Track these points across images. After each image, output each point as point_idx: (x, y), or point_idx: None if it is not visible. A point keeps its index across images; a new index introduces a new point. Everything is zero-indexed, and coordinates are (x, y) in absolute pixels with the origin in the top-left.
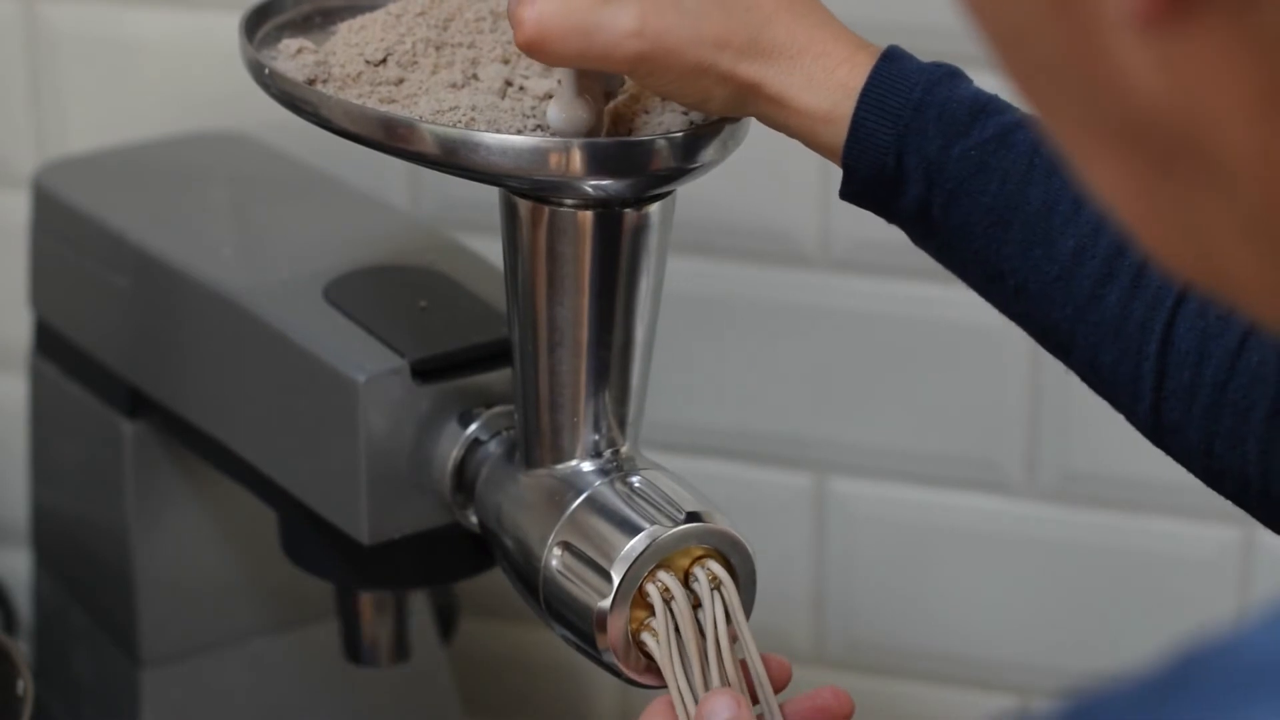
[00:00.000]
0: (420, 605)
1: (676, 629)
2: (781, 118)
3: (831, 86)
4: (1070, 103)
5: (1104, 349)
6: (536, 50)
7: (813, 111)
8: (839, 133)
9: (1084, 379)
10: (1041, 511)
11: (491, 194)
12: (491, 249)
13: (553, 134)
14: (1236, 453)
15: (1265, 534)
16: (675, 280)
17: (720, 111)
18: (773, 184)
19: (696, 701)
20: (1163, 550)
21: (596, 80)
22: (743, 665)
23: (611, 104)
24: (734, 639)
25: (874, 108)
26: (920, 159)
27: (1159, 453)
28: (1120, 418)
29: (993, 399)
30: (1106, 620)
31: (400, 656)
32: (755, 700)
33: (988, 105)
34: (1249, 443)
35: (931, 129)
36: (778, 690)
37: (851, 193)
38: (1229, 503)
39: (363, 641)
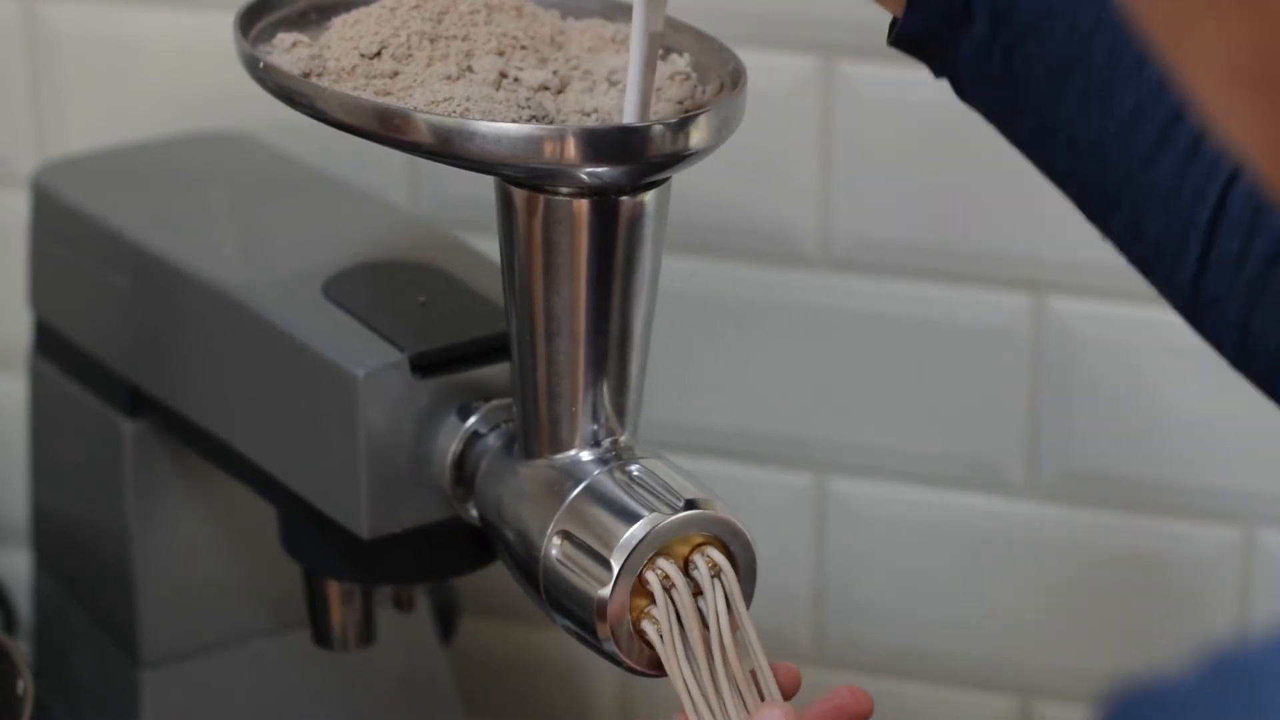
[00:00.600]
0: (384, 597)
1: (678, 616)
2: None
3: None
4: (1219, 43)
5: (1151, 214)
6: None
7: None
8: None
9: (1121, 246)
10: (1041, 511)
11: (491, 193)
12: (492, 247)
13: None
14: (1275, 329)
15: (1265, 534)
16: (675, 280)
17: None
18: (772, 183)
19: (701, 689)
20: (1163, 550)
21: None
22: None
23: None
24: (735, 628)
25: None
26: None
27: (1159, 453)
28: (1118, 417)
29: (993, 399)
30: (1106, 620)
31: (366, 640)
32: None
33: None
34: None
35: None
36: (787, 697)
37: (910, 30)
38: (1229, 502)
39: (332, 627)
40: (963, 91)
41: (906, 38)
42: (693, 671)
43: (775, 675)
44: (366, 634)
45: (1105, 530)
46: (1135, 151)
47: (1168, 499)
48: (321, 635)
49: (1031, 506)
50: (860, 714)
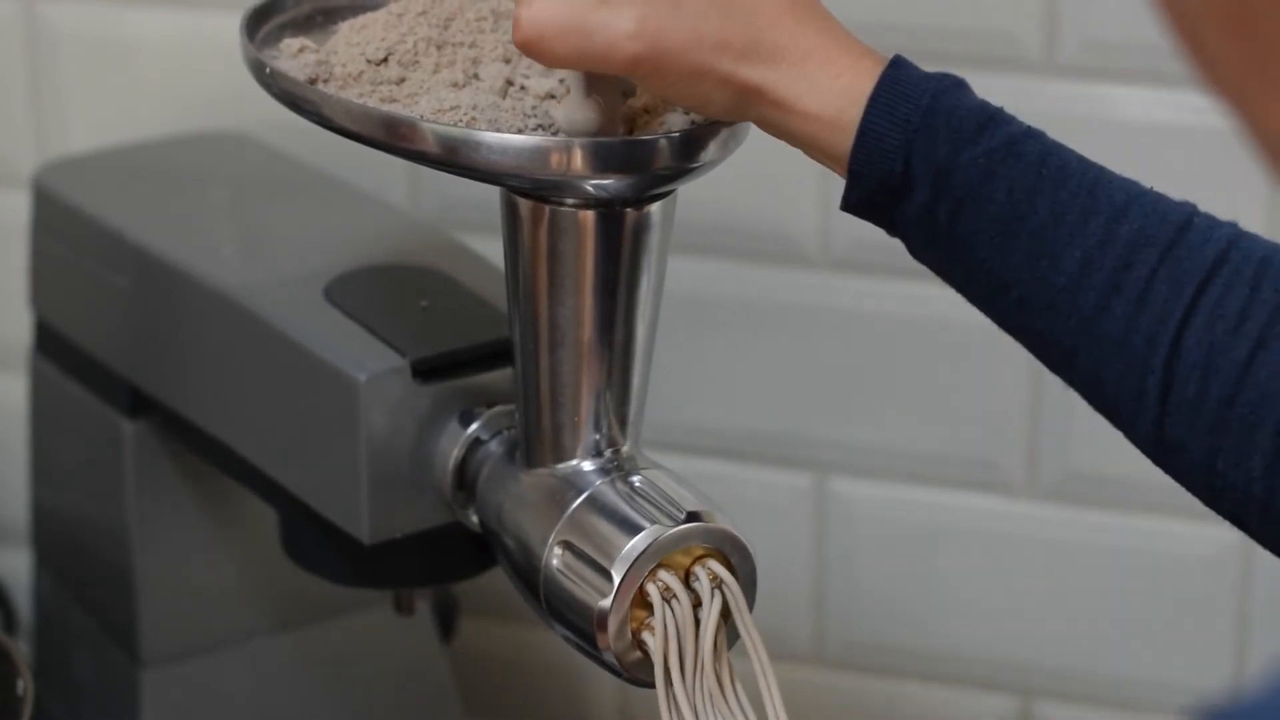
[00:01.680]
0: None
1: (677, 629)
2: (784, 123)
3: (836, 92)
4: None
5: (1107, 363)
6: (533, 50)
7: (818, 116)
8: (844, 139)
9: (1085, 395)
10: (1042, 511)
11: (491, 194)
12: (492, 249)
13: (562, 133)
14: (1240, 470)
15: None
16: (675, 280)
17: (721, 115)
18: (773, 184)
19: (690, 704)
20: (1163, 550)
21: (609, 80)
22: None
23: (628, 104)
24: (727, 645)
25: (883, 113)
26: (928, 165)
27: None
28: None
29: (993, 399)
30: (1107, 620)
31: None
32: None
33: (995, 115)
34: (1254, 459)
35: (940, 135)
36: None
37: (856, 199)
38: None
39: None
40: (915, 253)
41: (852, 206)
42: (684, 684)
43: None
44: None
45: (1105, 530)
46: (1086, 303)
47: (1168, 499)
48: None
49: (1031, 506)
50: None
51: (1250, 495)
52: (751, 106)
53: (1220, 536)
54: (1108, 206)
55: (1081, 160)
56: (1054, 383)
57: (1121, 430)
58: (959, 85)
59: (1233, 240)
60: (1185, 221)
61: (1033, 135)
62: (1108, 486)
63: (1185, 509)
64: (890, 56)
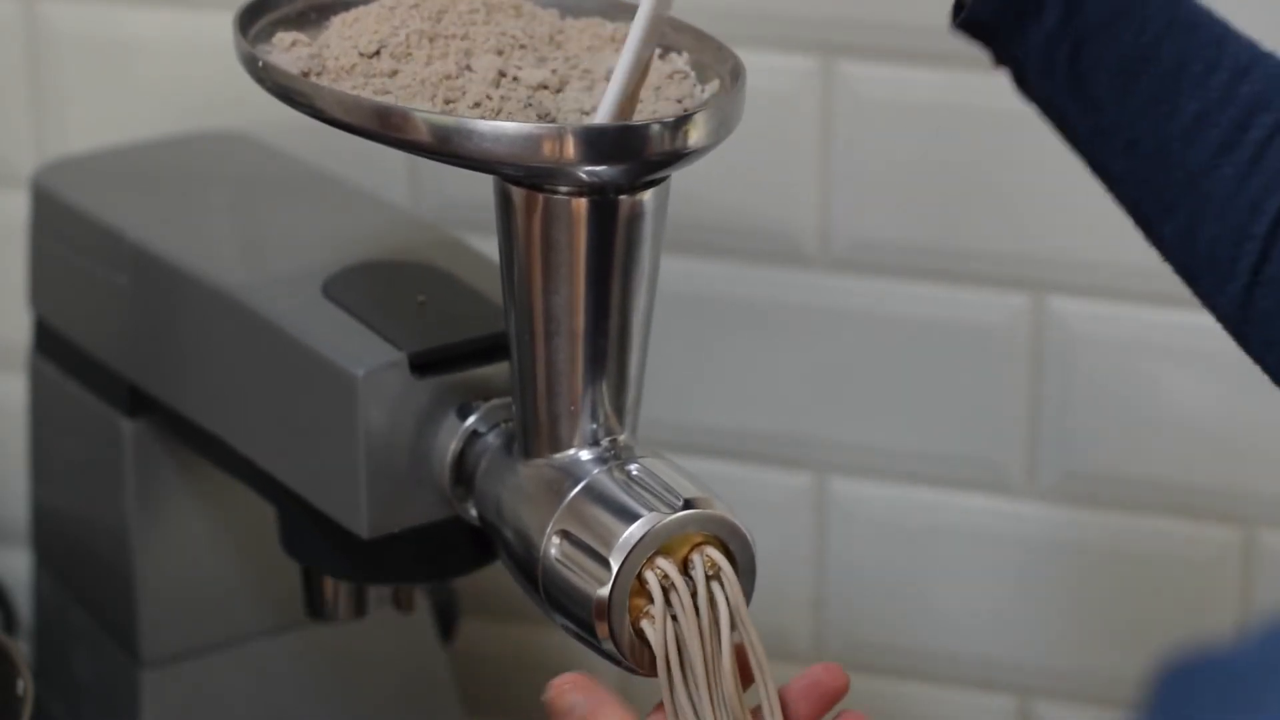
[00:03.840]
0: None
1: (675, 616)
2: None
3: None
4: None
5: (1206, 221)
6: None
7: None
8: None
9: (1168, 252)
10: (1041, 511)
11: (491, 194)
12: (492, 247)
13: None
14: None
15: (1265, 534)
16: (675, 280)
17: None
18: (772, 183)
19: (688, 690)
20: (1163, 550)
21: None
22: (739, 651)
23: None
24: (733, 626)
25: None
26: None
27: (1159, 453)
28: (1118, 417)
29: (993, 399)
30: (1106, 620)
31: (359, 612)
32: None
33: None
34: None
35: None
36: (835, 700)
37: (984, 13)
38: (1229, 503)
39: (324, 599)
40: (1023, 83)
41: (976, 21)
42: (685, 672)
43: (822, 679)
44: (359, 606)
45: (1105, 530)
46: (1196, 157)
47: (1168, 499)
48: (315, 606)
49: (1031, 506)
50: (835, 690)
51: None
52: None
53: (1220, 536)
54: (1232, 62)
55: (1210, 13)
56: (1054, 383)
57: (1200, 293)
58: None
59: None
60: None
61: None
62: (1107, 486)
63: (1185, 509)
64: None
